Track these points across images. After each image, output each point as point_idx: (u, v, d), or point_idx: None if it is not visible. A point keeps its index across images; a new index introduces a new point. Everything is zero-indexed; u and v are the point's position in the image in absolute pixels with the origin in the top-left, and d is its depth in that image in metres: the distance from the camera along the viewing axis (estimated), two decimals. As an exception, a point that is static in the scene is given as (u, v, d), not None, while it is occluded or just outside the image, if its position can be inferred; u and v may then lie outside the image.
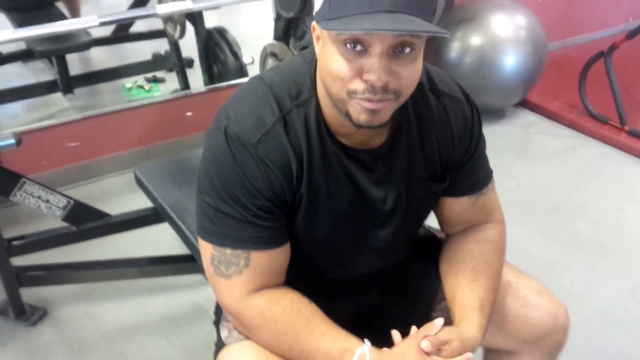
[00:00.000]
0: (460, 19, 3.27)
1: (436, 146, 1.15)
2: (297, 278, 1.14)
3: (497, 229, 1.29)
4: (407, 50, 0.92)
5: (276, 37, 2.38)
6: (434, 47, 3.37)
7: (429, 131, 1.13)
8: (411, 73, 0.95)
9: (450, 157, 1.17)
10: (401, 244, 1.26)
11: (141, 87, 3.46)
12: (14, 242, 1.88)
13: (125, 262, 2.14)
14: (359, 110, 0.95)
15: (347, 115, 0.97)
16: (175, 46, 3.30)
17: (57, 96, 3.26)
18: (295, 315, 1.06)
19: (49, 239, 1.94)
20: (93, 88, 3.44)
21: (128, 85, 3.48)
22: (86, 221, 1.87)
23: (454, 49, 3.26)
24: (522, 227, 2.53)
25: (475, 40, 3.22)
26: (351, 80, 0.93)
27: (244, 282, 1.06)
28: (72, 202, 1.79)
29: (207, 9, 2.18)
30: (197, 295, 2.17)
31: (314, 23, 0.98)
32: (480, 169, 1.24)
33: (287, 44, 2.39)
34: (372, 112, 0.95)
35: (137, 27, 3.45)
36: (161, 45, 3.53)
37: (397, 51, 0.91)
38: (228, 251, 1.04)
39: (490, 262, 1.22)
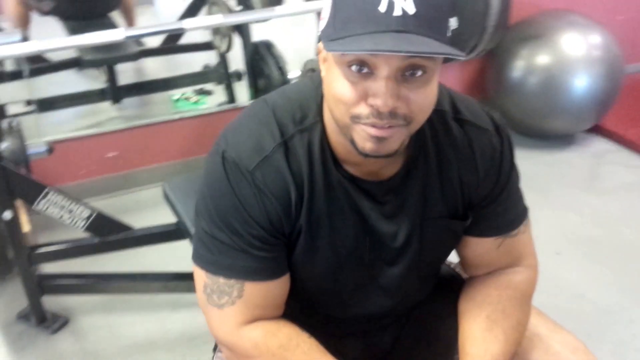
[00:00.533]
0: (524, 36, 3.30)
1: (457, 181, 1.13)
2: (302, 313, 1.19)
3: (525, 274, 1.24)
4: (419, 73, 0.91)
5: (317, 53, 2.50)
6: (495, 65, 3.41)
7: (450, 164, 1.11)
8: (423, 98, 0.94)
9: (474, 195, 1.15)
10: (414, 284, 1.24)
11: (188, 99, 3.66)
12: (37, 250, 2.07)
13: (149, 275, 2.31)
14: (364, 137, 0.95)
15: (352, 142, 0.97)
16: (222, 59, 3.48)
17: (106, 105, 3.50)
18: (293, 350, 1.08)
19: (71, 249, 2.12)
20: (142, 98, 3.67)
21: (176, 96, 3.68)
22: (108, 233, 2.04)
23: (518, 67, 3.30)
24: (582, 268, 2.52)
25: (542, 59, 3.25)
26: (355, 105, 0.93)
27: (237, 314, 1.08)
28: (95, 213, 1.96)
29: (229, 23, 2.28)
30: None
31: (319, 44, 0.99)
32: (510, 209, 1.20)
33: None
34: (379, 139, 0.94)
35: (188, 38, 3.65)
36: (211, 57, 3.72)
37: (406, 74, 0.91)
38: (221, 280, 1.07)
39: (510, 311, 1.17)
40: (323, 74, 1.00)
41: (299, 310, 1.18)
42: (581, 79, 3.21)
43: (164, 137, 3.08)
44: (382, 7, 0.86)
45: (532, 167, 3.27)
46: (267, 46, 3.13)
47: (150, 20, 4.03)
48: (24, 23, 3.60)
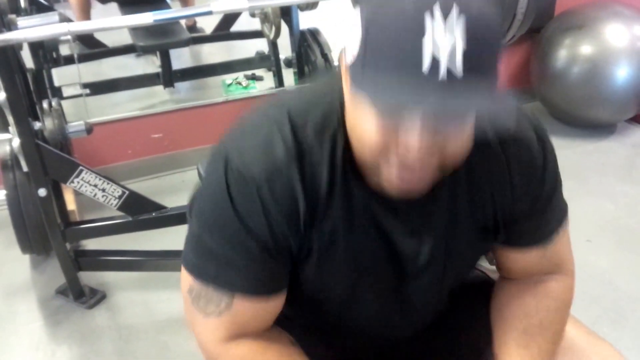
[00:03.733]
0: (568, 26, 3.05)
1: (489, 200, 0.94)
2: (314, 340, 1.03)
3: (564, 282, 1.05)
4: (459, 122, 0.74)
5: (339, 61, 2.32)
6: (539, 54, 3.17)
7: (481, 182, 0.92)
8: (461, 144, 0.77)
9: (508, 211, 0.95)
10: (437, 298, 1.05)
11: (239, 83, 3.52)
12: (70, 227, 1.95)
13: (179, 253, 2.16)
14: (391, 182, 0.80)
15: (380, 184, 0.82)
16: (273, 45, 3.32)
17: (160, 88, 3.39)
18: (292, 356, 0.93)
19: (104, 226, 2.00)
20: (196, 82, 3.55)
21: (228, 81, 3.55)
22: (141, 212, 1.91)
23: (561, 57, 3.05)
24: (612, 256, 2.32)
25: (586, 49, 3.00)
26: (382, 152, 0.76)
27: (222, 327, 0.92)
28: (127, 192, 1.83)
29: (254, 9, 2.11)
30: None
31: (341, 52, 0.79)
32: (553, 217, 1.02)
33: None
34: (408, 188, 0.81)
35: (239, 26, 3.51)
36: (265, 45, 3.58)
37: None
38: (210, 289, 0.90)
39: (548, 323, 1.00)
40: (346, 89, 0.81)
41: (310, 339, 1.02)
42: (624, 69, 2.96)
43: (210, 119, 2.93)
44: (425, 68, 0.67)
45: (573, 155, 3.04)
46: (314, 33, 2.97)
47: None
48: (85, 10, 3.52)
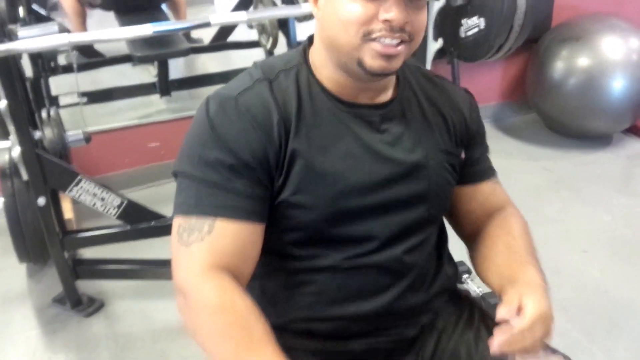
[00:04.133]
0: (564, 37, 3.12)
1: (449, 117, 1.12)
2: (304, 302, 1.08)
3: (516, 210, 1.20)
4: None
5: None
6: (536, 65, 3.23)
7: (437, 102, 1.12)
8: (422, 20, 0.98)
9: (464, 133, 1.14)
10: (422, 215, 1.09)
11: (239, 93, 3.55)
12: (68, 236, 1.98)
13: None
14: (374, 56, 0.96)
15: (360, 64, 0.96)
16: (270, 55, 3.36)
17: (157, 97, 3.43)
18: (259, 319, 0.94)
19: (102, 235, 2.04)
20: (192, 92, 3.58)
21: (225, 91, 3.58)
22: (140, 221, 1.94)
23: (558, 68, 3.11)
24: (608, 266, 2.36)
25: (582, 61, 3.07)
26: (368, 22, 0.94)
27: (204, 252, 0.95)
28: (126, 201, 1.86)
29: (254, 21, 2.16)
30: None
31: None
32: (488, 157, 1.21)
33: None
34: (388, 57, 0.96)
35: (236, 37, 3.56)
36: (262, 56, 3.63)
37: None
38: (193, 219, 0.97)
39: (524, 239, 1.13)
40: (319, 13, 1.00)
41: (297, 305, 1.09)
42: (619, 81, 3.04)
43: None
44: None
45: (569, 166, 3.10)
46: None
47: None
48: (82, 19, 3.55)
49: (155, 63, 3.32)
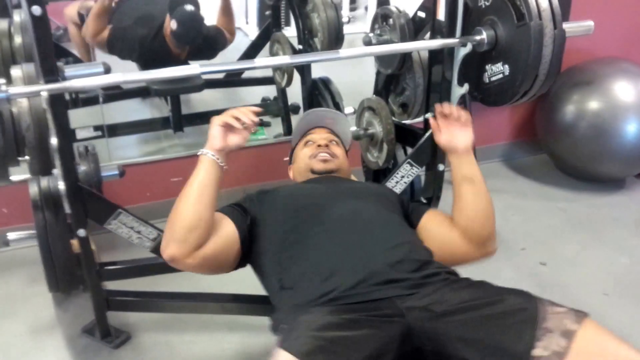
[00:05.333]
0: (576, 81, 3.31)
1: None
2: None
3: None
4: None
5: (376, 92, 2.55)
6: (547, 109, 3.41)
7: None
8: (336, 148, 2.06)
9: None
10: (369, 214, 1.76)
11: (247, 129, 3.71)
12: (106, 267, 2.12)
13: (208, 296, 2.33)
14: (318, 165, 2.00)
15: (312, 170, 2.02)
16: (282, 93, 3.55)
17: (168, 132, 3.59)
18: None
19: (139, 268, 2.16)
20: (202, 127, 3.74)
21: (236, 126, 3.74)
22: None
23: (569, 112, 3.30)
24: (630, 310, 2.48)
25: (593, 104, 3.25)
26: (312, 154, 2.03)
27: None
28: (161, 234, 1.99)
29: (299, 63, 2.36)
30: (273, 338, 2.30)
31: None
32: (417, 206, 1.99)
33: (387, 99, 2.55)
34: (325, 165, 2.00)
35: (249, 73, 3.74)
36: (270, 91, 3.81)
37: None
38: None
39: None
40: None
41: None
42: (632, 125, 3.21)
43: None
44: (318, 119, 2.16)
45: (583, 209, 3.26)
46: (325, 82, 3.19)
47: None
48: (87, 50, 3.70)
49: (169, 98, 3.50)
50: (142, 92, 3.46)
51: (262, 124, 3.76)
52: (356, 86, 3.33)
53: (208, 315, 2.41)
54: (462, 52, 2.10)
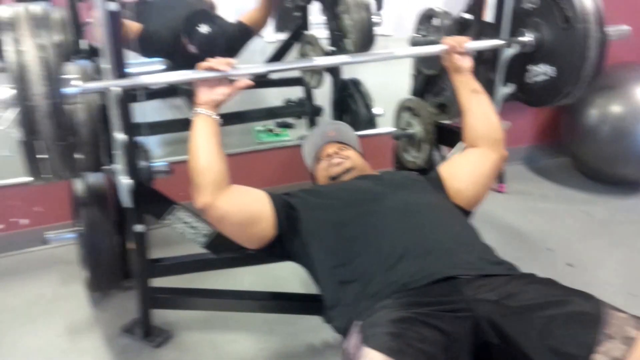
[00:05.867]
0: (600, 85, 3.36)
1: None
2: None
3: None
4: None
5: (413, 93, 2.60)
6: (570, 112, 3.49)
7: None
8: (347, 153, 2.23)
9: None
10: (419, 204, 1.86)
11: (271, 131, 3.77)
12: (156, 263, 2.15)
13: (249, 294, 2.38)
14: (333, 170, 2.19)
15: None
16: (309, 94, 3.61)
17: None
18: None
19: (189, 264, 2.19)
20: (225, 129, 3.77)
21: (258, 128, 3.80)
22: (224, 250, 2.11)
23: (592, 115, 3.37)
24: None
25: (616, 108, 3.33)
26: (327, 166, 2.22)
27: None
28: (214, 230, 2.03)
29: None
30: (314, 336, 2.34)
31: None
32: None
33: (423, 99, 2.61)
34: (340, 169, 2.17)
35: (275, 74, 3.78)
36: (292, 93, 3.87)
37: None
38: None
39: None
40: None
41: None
42: (654, 129, 3.27)
43: (248, 166, 3.17)
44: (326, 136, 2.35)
45: (606, 211, 3.33)
46: (356, 84, 3.26)
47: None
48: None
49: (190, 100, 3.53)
50: (169, 92, 3.50)
51: (286, 126, 3.83)
52: (382, 88, 3.40)
53: (248, 314, 2.44)
54: (508, 53, 2.16)
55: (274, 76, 3.65)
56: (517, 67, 2.20)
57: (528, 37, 2.12)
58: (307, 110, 3.67)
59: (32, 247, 2.88)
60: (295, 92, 3.77)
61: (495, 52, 2.22)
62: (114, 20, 1.66)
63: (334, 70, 3.28)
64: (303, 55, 3.29)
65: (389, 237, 1.71)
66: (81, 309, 2.50)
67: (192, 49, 3.08)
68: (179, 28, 3.17)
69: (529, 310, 1.44)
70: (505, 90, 2.23)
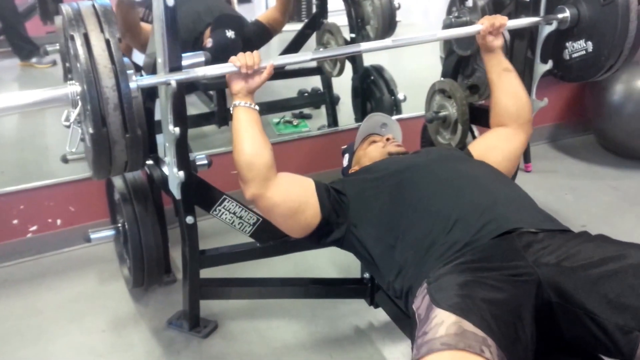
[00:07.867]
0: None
1: None
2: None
3: None
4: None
5: (444, 74, 2.65)
6: (595, 88, 3.55)
7: None
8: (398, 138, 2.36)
9: None
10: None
11: (289, 122, 3.83)
12: (205, 254, 2.20)
13: (294, 281, 2.46)
14: (392, 151, 2.23)
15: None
16: (328, 84, 3.66)
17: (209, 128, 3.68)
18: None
19: (237, 253, 2.24)
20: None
21: (275, 120, 3.86)
22: (269, 239, 2.17)
23: (617, 91, 3.44)
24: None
25: (642, 84, 3.39)
26: (384, 148, 2.24)
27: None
28: (260, 219, 2.08)
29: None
30: (359, 319, 2.43)
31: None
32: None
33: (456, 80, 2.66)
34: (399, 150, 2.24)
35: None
36: (303, 84, 3.94)
37: None
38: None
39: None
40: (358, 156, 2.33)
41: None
42: (679, 103, 3.34)
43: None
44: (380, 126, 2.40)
45: (634, 184, 3.42)
46: (379, 70, 3.30)
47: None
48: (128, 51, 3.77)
49: (215, 93, 3.59)
50: (189, 87, 3.53)
51: (304, 117, 3.88)
52: (403, 73, 3.45)
53: (288, 301, 2.52)
54: (546, 30, 2.22)
55: (292, 67, 3.67)
56: (555, 44, 2.26)
57: (566, 14, 2.18)
58: (326, 100, 3.71)
59: (68, 247, 2.95)
60: (309, 83, 3.85)
61: (531, 29, 2.27)
62: (170, 15, 1.70)
63: (356, 58, 3.33)
64: (323, 44, 3.32)
65: (442, 202, 1.77)
66: (123, 305, 2.57)
67: (209, 43, 3.13)
68: (206, 21, 3.24)
69: (588, 268, 1.49)
70: (543, 67, 2.29)
